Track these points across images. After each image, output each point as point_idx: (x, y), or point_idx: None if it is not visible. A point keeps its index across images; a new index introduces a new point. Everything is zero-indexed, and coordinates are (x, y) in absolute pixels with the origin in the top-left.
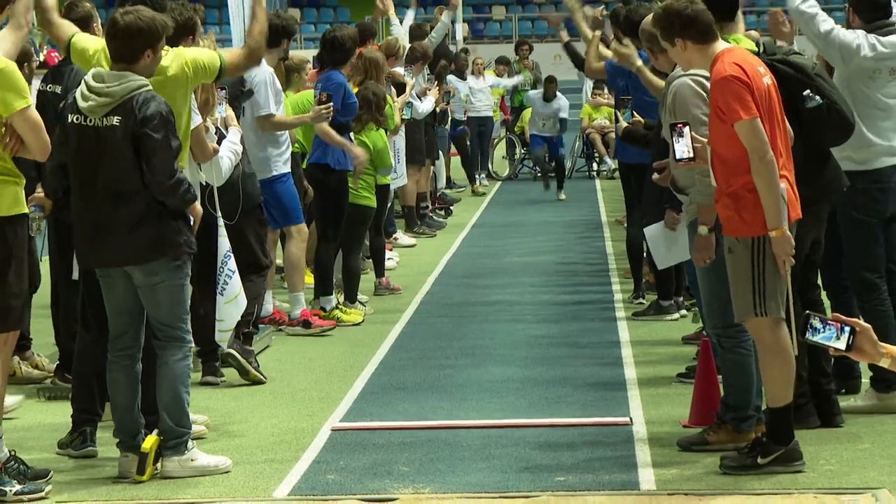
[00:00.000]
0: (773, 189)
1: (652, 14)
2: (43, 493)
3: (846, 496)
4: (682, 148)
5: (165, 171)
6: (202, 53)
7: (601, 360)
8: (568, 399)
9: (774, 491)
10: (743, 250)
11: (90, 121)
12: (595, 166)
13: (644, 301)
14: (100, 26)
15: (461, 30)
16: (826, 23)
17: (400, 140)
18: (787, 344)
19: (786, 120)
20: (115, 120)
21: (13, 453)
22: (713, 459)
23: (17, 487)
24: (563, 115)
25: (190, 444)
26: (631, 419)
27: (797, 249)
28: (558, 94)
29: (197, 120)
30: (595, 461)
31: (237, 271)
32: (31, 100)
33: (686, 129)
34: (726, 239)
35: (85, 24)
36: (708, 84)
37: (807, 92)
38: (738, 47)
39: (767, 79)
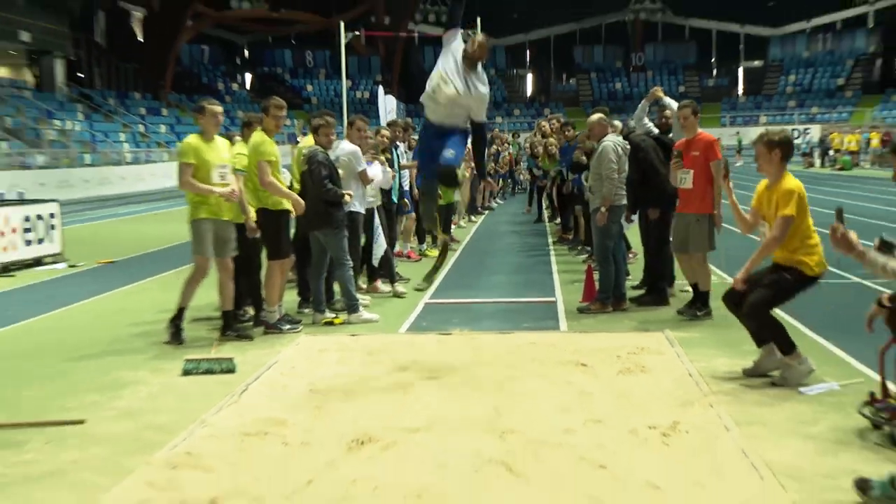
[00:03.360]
0: (718, 196)
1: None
2: (299, 330)
3: (649, 333)
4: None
5: (320, 188)
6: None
7: (543, 271)
8: (528, 288)
9: (620, 331)
10: (704, 221)
11: (302, 165)
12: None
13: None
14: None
15: None
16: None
17: None
18: (706, 264)
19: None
20: (305, 166)
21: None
22: (594, 318)
23: (288, 327)
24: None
25: (360, 308)
26: (556, 299)
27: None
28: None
29: (363, 165)
30: (539, 318)
31: (381, 234)
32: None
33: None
34: (696, 215)
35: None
36: (620, 149)
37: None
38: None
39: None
